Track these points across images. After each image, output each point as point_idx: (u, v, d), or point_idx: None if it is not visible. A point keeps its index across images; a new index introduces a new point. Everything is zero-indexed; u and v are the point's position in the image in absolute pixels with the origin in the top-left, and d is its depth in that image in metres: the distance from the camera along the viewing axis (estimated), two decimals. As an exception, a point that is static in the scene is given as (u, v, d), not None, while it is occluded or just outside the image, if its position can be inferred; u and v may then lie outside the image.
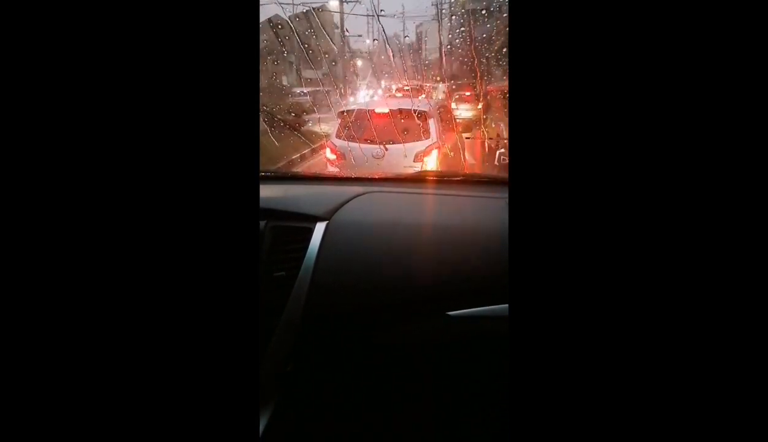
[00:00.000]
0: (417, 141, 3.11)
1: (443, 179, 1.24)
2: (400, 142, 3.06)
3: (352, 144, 3.15)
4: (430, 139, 3.11)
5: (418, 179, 1.31)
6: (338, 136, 3.36)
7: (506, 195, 0.94)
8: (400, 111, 3.29)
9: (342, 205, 0.93)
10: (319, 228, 0.87)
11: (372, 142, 3.10)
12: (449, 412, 0.85)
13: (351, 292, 0.81)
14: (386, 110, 3.24)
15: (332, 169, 3.30)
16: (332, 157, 3.37)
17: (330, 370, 0.84)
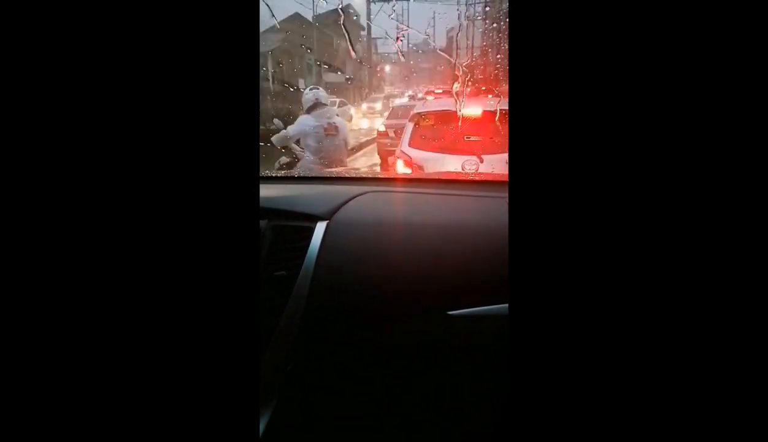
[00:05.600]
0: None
1: (442, 179, 1.25)
2: (497, 152, 2.24)
3: (432, 154, 2.45)
4: None
5: (417, 179, 1.36)
6: (412, 145, 2.63)
7: (505, 195, 0.96)
8: (485, 113, 2.42)
9: (343, 204, 0.93)
10: (320, 227, 0.87)
11: (457, 151, 2.33)
12: (450, 410, 0.83)
13: (351, 291, 0.81)
14: (479, 112, 2.41)
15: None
16: (407, 171, 2.58)
17: (330, 369, 0.83)
